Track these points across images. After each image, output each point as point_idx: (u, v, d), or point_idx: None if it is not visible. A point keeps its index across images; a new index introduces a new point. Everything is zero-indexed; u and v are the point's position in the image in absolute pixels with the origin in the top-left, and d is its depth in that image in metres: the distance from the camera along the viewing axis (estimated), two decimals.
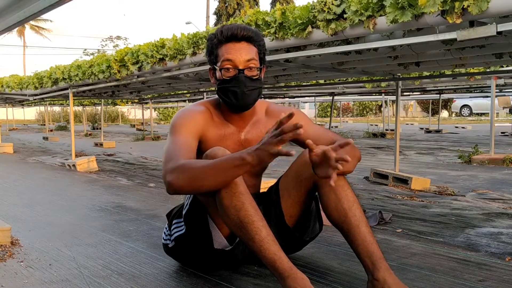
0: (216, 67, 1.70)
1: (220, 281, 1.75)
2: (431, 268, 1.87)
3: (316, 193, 1.71)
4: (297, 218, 1.81)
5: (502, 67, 4.88)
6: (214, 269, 1.85)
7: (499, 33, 1.96)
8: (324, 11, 2.48)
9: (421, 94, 13.19)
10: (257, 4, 35.93)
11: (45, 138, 12.48)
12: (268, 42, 2.86)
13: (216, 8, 35.97)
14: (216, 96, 1.80)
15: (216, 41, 1.69)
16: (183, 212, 1.79)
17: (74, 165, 5.62)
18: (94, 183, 4.50)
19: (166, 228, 1.92)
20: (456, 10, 1.93)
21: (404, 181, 4.06)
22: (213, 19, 34.85)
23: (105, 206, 3.29)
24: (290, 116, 1.31)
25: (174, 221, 1.85)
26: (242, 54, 1.66)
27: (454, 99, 22.53)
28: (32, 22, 42.34)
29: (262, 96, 12.14)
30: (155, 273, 1.85)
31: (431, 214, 2.92)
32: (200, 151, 1.68)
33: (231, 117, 1.77)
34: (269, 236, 1.45)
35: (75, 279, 1.79)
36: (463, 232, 2.46)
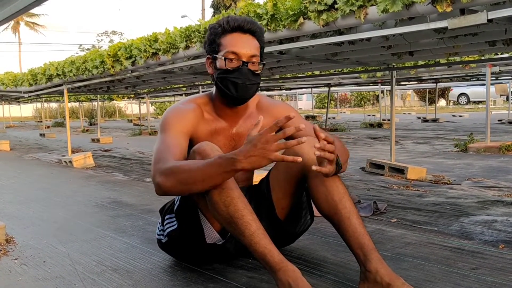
0: (218, 56, 1.66)
1: (214, 274, 1.75)
2: (425, 257, 1.88)
3: (306, 185, 1.71)
4: (288, 210, 1.80)
5: (497, 54, 4.87)
6: (208, 263, 1.85)
7: (489, 20, 1.95)
8: (315, 1, 2.47)
9: (417, 84, 13.19)
10: None
11: (42, 135, 12.47)
12: None
13: (212, 1, 35.80)
14: (206, 92, 1.79)
15: (221, 30, 1.66)
16: (174, 208, 1.78)
17: (70, 162, 5.61)
18: (90, 179, 4.49)
19: (159, 223, 1.92)
20: None
21: (400, 171, 4.06)
22: (209, 12, 34.72)
23: (100, 202, 3.29)
24: (289, 118, 1.31)
25: (166, 217, 1.84)
26: (247, 47, 1.64)
27: (451, 88, 22.52)
28: (26, 18, 42.06)
29: (259, 89, 12.20)
30: (149, 268, 1.86)
31: (426, 203, 2.93)
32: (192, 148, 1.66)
33: (224, 112, 1.75)
34: (259, 230, 1.44)
35: (69, 275, 1.79)
36: (457, 221, 2.47)
